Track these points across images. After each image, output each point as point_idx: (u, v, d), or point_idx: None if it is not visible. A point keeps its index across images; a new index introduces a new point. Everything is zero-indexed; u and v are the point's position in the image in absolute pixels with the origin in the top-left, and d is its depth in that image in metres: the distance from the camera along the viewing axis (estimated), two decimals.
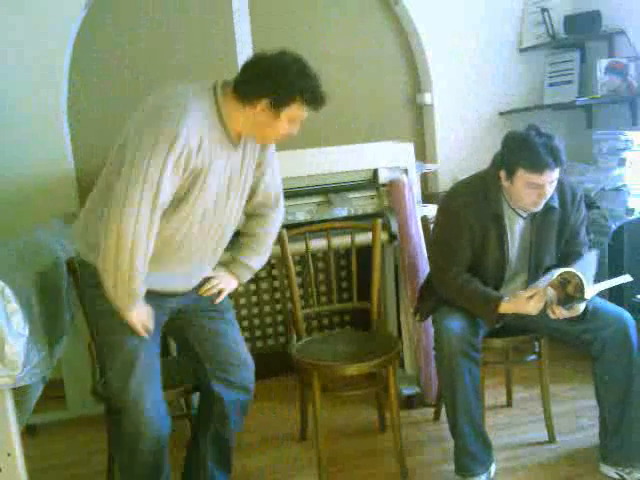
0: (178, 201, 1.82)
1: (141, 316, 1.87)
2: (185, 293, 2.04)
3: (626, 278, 2.13)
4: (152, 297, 1.91)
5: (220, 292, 2.11)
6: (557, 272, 2.07)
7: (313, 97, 1.81)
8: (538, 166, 2.05)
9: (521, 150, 2.09)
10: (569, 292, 2.10)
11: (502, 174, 2.16)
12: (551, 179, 2.09)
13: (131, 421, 1.88)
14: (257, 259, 2.16)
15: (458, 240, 2.22)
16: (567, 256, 2.27)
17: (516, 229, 2.26)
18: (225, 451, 2.16)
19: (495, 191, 2.21)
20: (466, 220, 2.20)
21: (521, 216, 2.24)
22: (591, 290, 2.06)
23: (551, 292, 2.11)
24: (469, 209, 2.20)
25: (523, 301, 2.11)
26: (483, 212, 2.21)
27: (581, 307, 2.11)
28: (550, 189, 2.13)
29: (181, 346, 2.33)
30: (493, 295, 2.19)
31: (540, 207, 2.17)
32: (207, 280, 2.10)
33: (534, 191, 2.11)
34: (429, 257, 2.51)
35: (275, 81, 1.77)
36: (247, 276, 2.17)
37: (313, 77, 1.81)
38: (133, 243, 1.72)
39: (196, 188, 1.82)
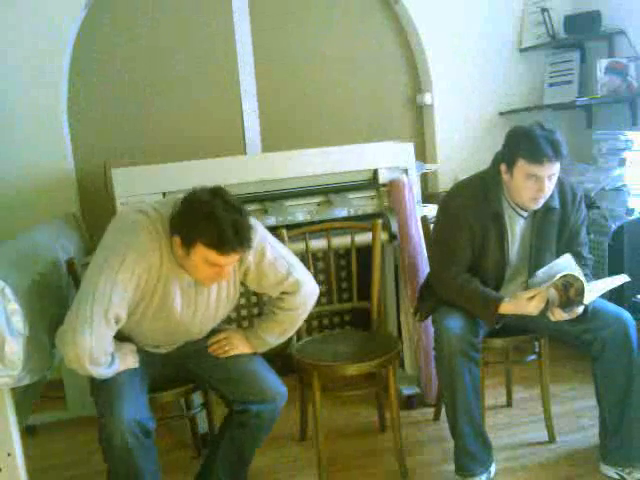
0: (128, 314, 1.87)
1: (125, 365, 1.94)
2: None
3: (624, 278, 2.13)
4: None
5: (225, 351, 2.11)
6: (560, 274, 2.07)
7: (217, 242, 1.74)
8: (538, 156, 2.06)
9: (522, 141, 2.11)
10: (570, 295, 2.09)
11: (503, 167, 2.17)
12: (551, 172, 2.09)
13: (109, 420, 1.83)
14: (275, 336, 2.13)
15: (457, 240, 2.22)
16: None
17: (516, 229, 2.26)
18: (238, 465, 2.14)
19: (495, 190, 2.21)
20: (466, 220, 2.20)
21: (521, 216, 2.24)
22: (590, 295, 2.06)
23: (553, 293, 2.11)
24: (469, 209, 2.20)
25: (523, 302, 2.11)
26: (483, 212, 2.21)
27: (580, 309, 2.11)
28: (550, 185, 2.13)
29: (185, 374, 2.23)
30: (493, 295, 2.18)
31: (539, 204, 2.17)
32: (218, 334, 2.13)
33: (533, 184, 2.11)
34: (429, 257, 2.51)
35: (182, 220, 1.79)
36: (262, 348, 2.14)
37: (226, 221, 1.72)
38: (91, 353, 1.76)
39: (141, 306, 1.88)
